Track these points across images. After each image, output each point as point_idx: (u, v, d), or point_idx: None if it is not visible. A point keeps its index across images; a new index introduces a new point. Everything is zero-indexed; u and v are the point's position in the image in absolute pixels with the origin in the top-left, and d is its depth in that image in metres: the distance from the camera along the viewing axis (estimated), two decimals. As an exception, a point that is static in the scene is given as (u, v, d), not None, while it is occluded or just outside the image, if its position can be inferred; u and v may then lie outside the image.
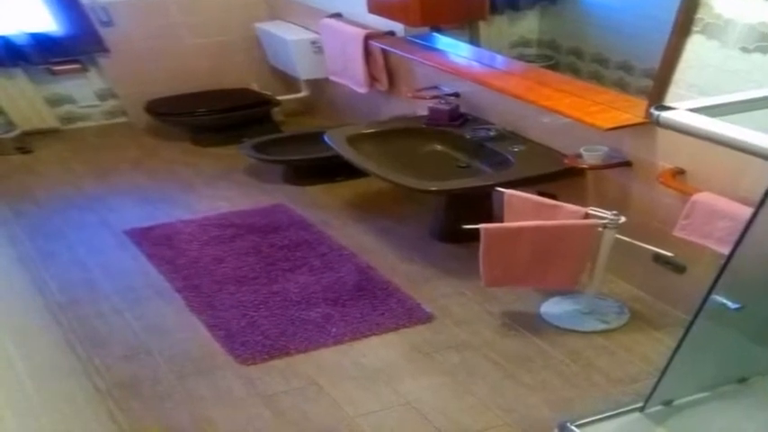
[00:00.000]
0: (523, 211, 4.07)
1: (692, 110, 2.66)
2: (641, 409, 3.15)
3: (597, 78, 5.01)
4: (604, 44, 5.14)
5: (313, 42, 6.53)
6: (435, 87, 5.38)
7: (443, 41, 5.46)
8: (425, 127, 5.21)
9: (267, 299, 4.34)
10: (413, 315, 4.18)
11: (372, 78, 5.90)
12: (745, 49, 3.50)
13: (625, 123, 4.01)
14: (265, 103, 6.86)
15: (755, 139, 2.34)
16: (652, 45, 3.94)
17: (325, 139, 5.16)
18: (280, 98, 6.93)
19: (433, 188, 4.55)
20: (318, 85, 6.91)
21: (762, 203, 2.45)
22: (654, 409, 3.14)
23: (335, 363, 3.84)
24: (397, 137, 5.20)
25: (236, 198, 5.65)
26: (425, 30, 5.54)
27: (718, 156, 3.48)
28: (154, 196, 5.73)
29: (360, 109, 6.38)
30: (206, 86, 7.01)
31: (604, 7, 5.28)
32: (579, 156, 4.24)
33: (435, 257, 4.75)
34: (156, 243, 4.99)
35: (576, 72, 5.25)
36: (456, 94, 5.24)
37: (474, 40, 5.46)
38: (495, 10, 5.45)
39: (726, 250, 2.82)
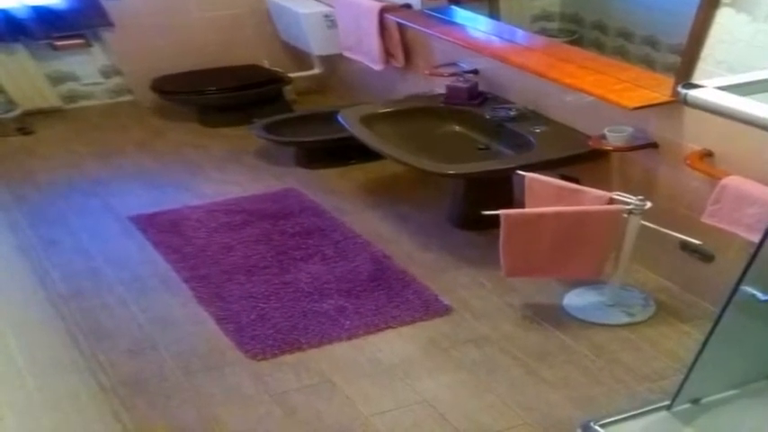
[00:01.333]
0: (545, 195, 4.06)
1: (720, 88, 2.66)
2: (668, 408, 3.14)
3: (622, 54, 5.00)
4: (629, 18, 5.12)
5: (326, 16, 6.50)
6: (453, 64, 5.37)
7: (462, 15, 5.45)
8: (443, 106, 5.20)
9: (278, 290, 4.35)
10: (430, 307, 4.18)
11: (388, 54, 5.89)
12: (776, 23, 3.49)
13: (651, 102, 3.99)
14: (277, 80, 6.86)
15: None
16: (679, 18, 3.92)
17: (339, 119, 5.15)
18: (291, 75, 6.93)
19: (451, 171, 4.55)
20: (332, 62, 6.90)
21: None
22: (681, 407, 3.14)
23: (349, 358, 3.85)
24: (414, 117, 5.19)
25: (245, 182, 5.65)
26: (443, 2, 5.54)
27: (749, 137, 3.45)
28: (160, 180, 5.74)
29: (375, 87, 6.37)
30: (215, 63, 6.99)
31: (630, -22, 5.27)
32: (603, 137, 4.22)
33: (453, 245, 4.75)
34: (162, 230, 5.00)
35: (599, 47, 5.23)
36: (475, 71, 5.22)
37: (494, 14, 5.45)
38: (515, -19, 5.45)
39: (756, 238, 2.82)
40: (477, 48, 5.06)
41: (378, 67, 5.92)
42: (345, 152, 5.75)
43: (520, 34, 5.12)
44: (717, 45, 3.71)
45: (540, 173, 4.14)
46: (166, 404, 3.59)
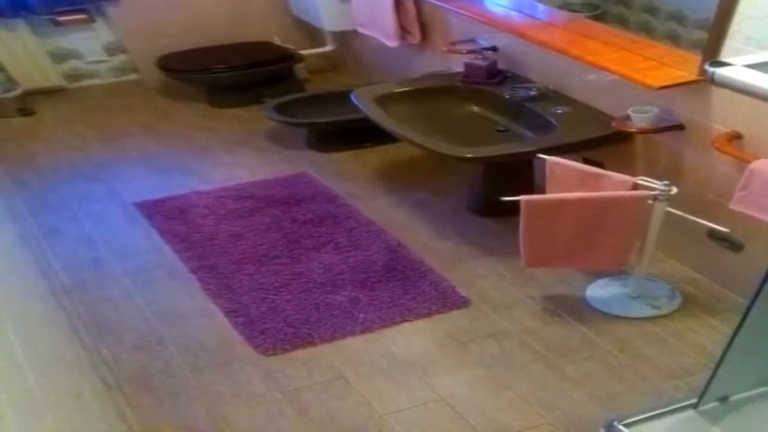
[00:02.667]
0: (567, 181, 4.05)
1: (749, 66, 2.65)
2: (695, 407, 3.13)
3: (647, 30, 4.96)
4: (655, -9, 5.09)
5: (339, -11, 6.50)
6: (472, 41, 5.36)
7: (480, -11, 5.43)
8: (461, 85, 5.20)
9: (289, 281, 4.35)
10: (447, 299, 4.18)
11: (403, 30, 5.87)
12: (808, -4, 3.47)
13: (677, 81, 3.97)
14: (288, 58, 6.85)
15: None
16: (706, -8, 3.90)
17: (353, 99, 5.15)
18: (303, 52, 6.92)
19: (469, 155, 4.55)
20: (345, 39, 6.89)
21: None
22: (708, 406, 3.12)
23: (363, 353, 3.85)
24: (431, 97, 5.19)
25: (255, 166, 5.65)
26: (461, -24, 5.52)
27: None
28: (166, 164, 5.75)
29: (390, 65, 6.36)
30: (224, 40, 6.99)
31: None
32: (627, 118, 4.21)
33: (471, 234, 4.75)
34: (168, 217, 5.01)
35: (624, 23, 5.19)
36: (494, 48, 5.21)
37: (514, -13, 5.43)
38: (537, -47, 5.41)
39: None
40: (496, 23, 5.05)
41: (393, 43, 5.91)
42: (359, 134, 5.73)
43: (541, 9, 5.10)
44: (745, 21, 3.68)
45: (562, 156, 4.12)
46: (173, 402, 3.59)
